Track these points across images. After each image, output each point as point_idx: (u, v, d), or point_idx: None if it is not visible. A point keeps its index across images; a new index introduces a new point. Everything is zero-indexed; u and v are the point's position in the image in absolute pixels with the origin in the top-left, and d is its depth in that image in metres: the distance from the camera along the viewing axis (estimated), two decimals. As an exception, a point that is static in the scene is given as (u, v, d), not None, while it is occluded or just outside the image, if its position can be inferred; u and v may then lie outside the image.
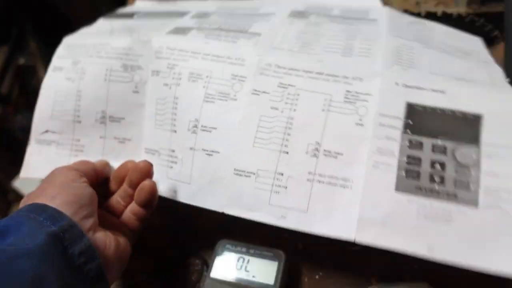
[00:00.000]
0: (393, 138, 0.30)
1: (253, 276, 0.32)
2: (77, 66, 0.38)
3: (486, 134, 0.29)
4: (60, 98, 0.38)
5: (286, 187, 0.31)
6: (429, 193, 0.28)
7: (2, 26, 1.63)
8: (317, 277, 0.35)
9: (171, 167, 0.35)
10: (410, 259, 0.27)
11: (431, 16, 0.44)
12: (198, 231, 0.39)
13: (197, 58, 0.36)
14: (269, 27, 0.39)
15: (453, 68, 0.33)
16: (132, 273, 0.36)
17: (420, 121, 0.30)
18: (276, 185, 0.31)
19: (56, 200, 0.27)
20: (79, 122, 0.38)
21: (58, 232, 0.25)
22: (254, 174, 0.32)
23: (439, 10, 0.45)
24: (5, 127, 1.51)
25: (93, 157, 0.36)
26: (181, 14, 0.45)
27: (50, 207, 0.26)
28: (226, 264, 0.34)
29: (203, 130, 0.34)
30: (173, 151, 0.35)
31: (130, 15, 0.46)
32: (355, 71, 0.33)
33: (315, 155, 0.31)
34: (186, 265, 0.37)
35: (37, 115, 0.39)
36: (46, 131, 0.38)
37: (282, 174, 0.31)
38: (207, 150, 0.33)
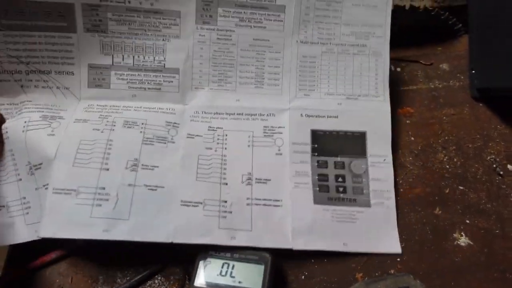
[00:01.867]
0: (305, 161, 0.39)
1: (239, 282, 0.32)
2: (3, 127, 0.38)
3: (370, 147, 0.39)
4: None
5: (231, 212, 0.36)
6: (337, 201, 0.37)
7: None
8: (302, 277, 0.35)
9: (99, 205, 0.35)
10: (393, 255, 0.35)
11: (399, 9, 0.44)
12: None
13: (130, 110, 0.39)
14: (183, 54, 0.41)
15: (345, 83, 0.41)
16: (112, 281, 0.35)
17: (323, 143, 0.39)
18: (222, 211, 0.36)
19: None
20: (20, 180, 0.37)
21: None
22: (201, 203, 0.36)
23: (407, 3, 0.46)
24: None
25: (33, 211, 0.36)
26: (66, 18, 0.39)
27: None
28: (210, 271, 0.32)
29: (144, 168, 0.37)
30: (103, 188, 0.36)
31: None
32: (268, 107, 0.41)
33: (249, 183, 0.37)
34: (165, 275, 0.36)
35: None
36: None
37: (226, 201, 0.36)
38: (150, 186, 0.36)
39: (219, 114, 0.40)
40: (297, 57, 0.41)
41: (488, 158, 0.41)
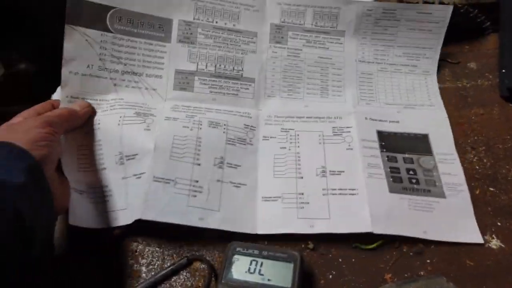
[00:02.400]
0: (375, 155, 0.41)
1: (269, 280, 0.31)
2: (91, 119, 0.41)
3: (434, 146, 0.42)
4: (83, 151, 0.41)
5: (308, 203, 0.38)
6: (412, 191, 0.38)
7: None
8: (330, 276, 0.35)
9: (195, 196, 0.38)
10: (422, 257, 0.35)
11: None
12: (200, 234, 0.38)
13: (212, 111, 0.43)
14: (258, 66, 0.46)
15: (401, 96, 0.46)
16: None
17: (390, 142, 0.42)
18: (300, 203, 0.38)
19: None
20: (104, 168, 0.40)
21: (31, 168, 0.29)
22: (280, 197, 0.38)
23: (436, 0, 0.47)
24: None
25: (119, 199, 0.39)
26: (164, 29, 0.44)
27: (16, 145, 0.29)
28: (238, 268, 0.32)
29: (229, 166, 0.40)
30: (197, 181, 0.38)
31: (103, 23, 0.43)
32: (334, 112, 0.45)
33: (324, 176, 0.39)
34: (191, 271, 0.36)
35: (65, 170, 0.39)
36: (75, 181, 0.39)
37: (302, 194, 0.38)
38: (235, 183, 0.39)
39: (290, 117, 0.44)
40: (356, 73, 0.47)
41: (519, 159, 0.41)
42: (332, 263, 0.35)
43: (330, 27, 0.47)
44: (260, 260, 0.32)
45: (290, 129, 0.43)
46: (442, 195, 0.38)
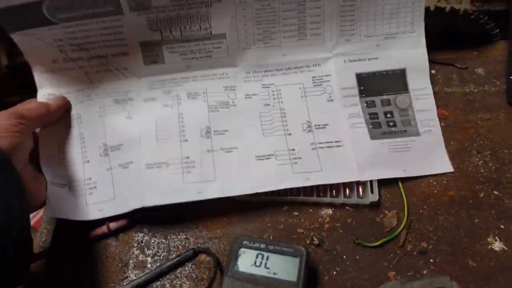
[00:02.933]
0: (355, 103, 0.42)
1: (274, 273, 0.31)
2: (72, 113, 0.41)
3: (411, 82, 0.43)
4: (65, 146, 0.41)
5: (300, 158, 0.40)
6: (390, 134, 0.41)
7: None
8: (334, 273, 0.35)
9: (189, 172, 0.39)
10: (425, 256, 0.36)
11: (438, 11, 0.45)
12: (205, 227, 0.39)
13: (188, 81, 0.42)
14: (227, 17, 0.41)
15: (383, 23, 0.43)
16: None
17: (368, 84, 0.43)
18: (292, 158, 0.40)
19: None
20: (87, 161, 0.40)
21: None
22: (273, 155, 0.40)
23: (448, 5, 0.46)
24: None
25: (106, 190, 0.39)
26: (110, 2, 0.39)
27: None
28: (244, 261, 0.32)
29: (216, 134, 0.40)
30: (188, 157, 0.40)
31: (45, 19, 0.39)
32: (313, 58, 0.43)
33: (310, 130, 0.41)
34: (196, 262, 0.37)
35: (44, 164, 0.39)
36: (56, 175, 0.39)
37: (293, 149, 0.40)
38: (226, 148, 0.40)
39: (269, 71, 0.43)
40: (337, 3, 0.42)
41: (525, 164, 0.40)
42: (336, 259, 0.36)
43: None
44: (266, 254, 0.32)
45: (271, 84, 0.43)
46: (417, 133, 0.41)
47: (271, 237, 0.38)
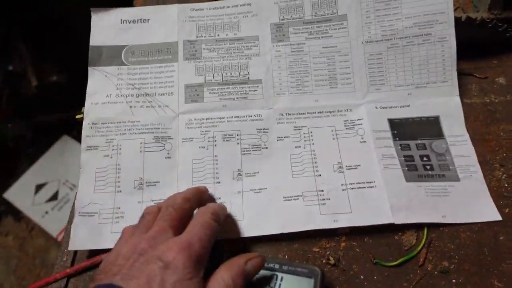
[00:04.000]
0: (389, 145, 0.42)
1: None
2: (112, 143, 0.44)
3: (446, 129, 0.43)
4: (101, 174, 0.43)
5: (329, 199, 0.39)
6: (427, 178, 0.40)
7: None
8: None
9: None
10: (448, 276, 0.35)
11: (455, 20, 0.44)
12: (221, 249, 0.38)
13: (224, 121, 0.45)
14: (263, 67, 0.47)
15: (413, 73, 0.45)
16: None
17: (401, 129, 0.43)
18: (321, 199, 0.40)
19: None
20: (120, 191, 0.42)
21: None
22: (301, 196, 0.40)
23: (464, 15, 0.46)
24: None
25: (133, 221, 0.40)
26: (171, 52, 0.47)
27: None
28: (258, 281, 0.32)
29: (248, 176, 0.42)
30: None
31: (118, 59, 0.47)
32: (344, 104, 0.45)
33: (341, 171, 0.41)
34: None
35: (80, 191, 0.42)
36: (89, 204, 0.41)
37: (322, 190, 0.40)
38: (255, 189, 0.41)
39: (302, 114, 0.45)
40: (364, 56, 0.46)
41: (550, 176, 0.39)
42: (353, 280, 0.36)
43: (331, 14, 0.46)
44: (280, 275, 0.32)
45: (303, 126, 0.44)
46: (456, 178, 0.40)
47: (286, 256, 0.37)
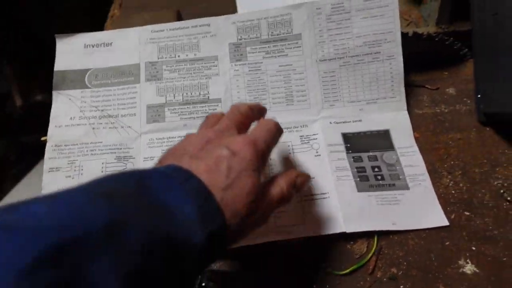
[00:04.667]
0: (342, 158, 0.44)
1: None
2: (74, 165, 0.45)
3: (396, 141, 0.45)
4: None
5: (285, 211, 0.41)
6: (378, 187, 0.41)
7: None
8: None
9: None
10: (396, 282, 0.36)
11: (403, 36, 0.46)
12: None
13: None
14: (222, 86, 0.48)
15: (364, 90, 0.47)
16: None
17: (354, 142, 0.45)
18: (276, 212, 0.39)
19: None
20: None
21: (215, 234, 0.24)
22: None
23: (410, 30, 0.48)
24: None
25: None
26: (133, 73, 0.49)
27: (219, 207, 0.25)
28: None
29: None
30: None
31: (82, 83, 0.49)
32: (300, 120, 0.47)
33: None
34: None
35: None
36: None
37: None
38: None
39: None
40: (318, 74, 0.48)
41: (495, 183, 0.41)
42: None
43: (286, 33, 0.48)
44: None
45: None
46: (406, 187, 0.41)
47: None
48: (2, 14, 1.28)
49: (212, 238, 0.23)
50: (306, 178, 0.34)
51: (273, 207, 0.30)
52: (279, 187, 0.30)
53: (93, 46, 0.50)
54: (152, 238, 0.21)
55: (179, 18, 0.59)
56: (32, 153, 1.45)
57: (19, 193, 1.34)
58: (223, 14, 0.50)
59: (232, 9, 0.64)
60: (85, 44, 0.50)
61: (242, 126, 0.33)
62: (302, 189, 0.34)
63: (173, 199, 0.23)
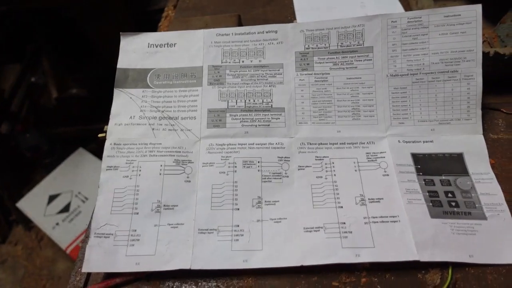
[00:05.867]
0: (412, 180, 0.41)
1: None
2: (132, 165, 0.44)
3: (470, 166, 0.42)
4: (119, 194, 0.42)
5: (351, 232, 0.39)
6: (453, 215, 0.39)
7: (17, 43, 1.42)
8: None
9: (237, 240, 0.40)
10: None
11: (483, 56, 0.44)
12: (236, 276, 0.39)
13: (245, 148, 0.45)
14: (287, 95, 0.47)
15: (437, 110, 0.45)
16: None
17: (425, 164, 0.42)
18: (343, 232, 0.39)
19: None
20: (137, 213, 0.42)
21: None
22: (322, 227, 0.39)
23: (492, 50, 0.45)
24: (13, 146, 1.37)
25: (148, 244, 0.40)
26: (196, 76, 0.48)
27: None
28: None
29: (267, 204, 0.41)
30: (238, 225, 0.41)
31: (144, 82, 0.48)
32: (367, 136, 0.44)
33: (363, 204, 0.40)
34: None
35: (97, 211, 0.42)
36: (105, 225, 0.41)
37: (344, 223, 0.39)
38: (275, 219, 0.41)
39: (323, 144, 0.44)
40: (388, 89, 0.45)
41: None
42: None
43: (357, 45, 0.46)
44: None
45: (324, 156, 0.44)
46: (483, 216, 0.39)
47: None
48: (51, 11, 1.31)
49: None
50: None
51: None
52: None
53: (156, 46, 0.50)
54: None
55: (240, 22, 0.58)
56: (64, 145, 1.47)
57: (49, 184, 1.36)
58: (280, 20, 0.49)
59: (290, 15, 0.63)
60: (148, 44, 0.50)
61: None
62: None
63: None
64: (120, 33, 0.50)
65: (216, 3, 0.69)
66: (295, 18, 0.62)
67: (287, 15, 0.63)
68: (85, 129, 1.43)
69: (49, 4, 1.14)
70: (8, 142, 1.41)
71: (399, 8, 0.62)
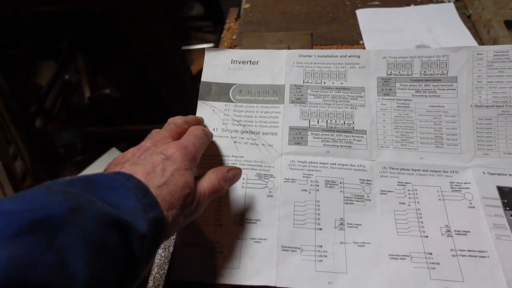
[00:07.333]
0: (500, 214, 0.41)
1: None
2: None
3: None
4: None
5: (439, 263, 0.38)
6: None
7: (52, 41, 1.45)
8: None
9: (321, 261, 0.40)
10: None
11: None
12: None
13: (327, 167, 0.45)
14: (368, 118, 0.47)
15: None
16: None
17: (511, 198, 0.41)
18: (430, 263, 0.38)
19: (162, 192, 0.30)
20: (220, 225, 0.43)
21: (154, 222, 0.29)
22: (408, 256, 0.39)
23: None
24: (46, 142, 1.39)
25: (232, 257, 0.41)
26: (277, 94, 0.49)
27: (152, 194, 0.29)
28: None
29: (350, 227, 0.41)
30: (321, 246, 0.41)
31: (226, 96, 0.50)
32: (450, 165, 0.44)
33: (449, 235, 0.40)
34: None
35: None
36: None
37: (431, 254, 0.39)
38: (358, 242, 0.41)
39: (406, 170, 0.44)
40: (472, 119, 0.45)
41: None
42: None
43: (441, 74, 0.47)
44: None
45: (407, 182, 0.43)
46: None
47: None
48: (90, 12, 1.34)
49: (153, 225, 0.28)
50: (238, 171, 0.40)
51: (206, 199, 0.35)
52: (211, 181, 0.36)
53: (239, 63, 0.51)
54: (106, 219, 0.25)
55: (312, 41, 0.59)
56: (97, 144, 1.49)
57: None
58: (347, 39, 0.52)
59: (356, 35, 0.64)
60: (232, 60, 0.51)
61: (176, 136, 0.38)
62: (234, 182, 0.40)
63: (117, 196, 0.28)
64: (205, 48, 0.51)
65: (279, 19, 0.70)
66: (361, 39, 0.63)
67: (353, 35, 0.64)
68: (118, 129, 1.45)
69: (89, 7, 1.16)
70: (42, 137, 1.43)
71: (467, 33, 0.62)
